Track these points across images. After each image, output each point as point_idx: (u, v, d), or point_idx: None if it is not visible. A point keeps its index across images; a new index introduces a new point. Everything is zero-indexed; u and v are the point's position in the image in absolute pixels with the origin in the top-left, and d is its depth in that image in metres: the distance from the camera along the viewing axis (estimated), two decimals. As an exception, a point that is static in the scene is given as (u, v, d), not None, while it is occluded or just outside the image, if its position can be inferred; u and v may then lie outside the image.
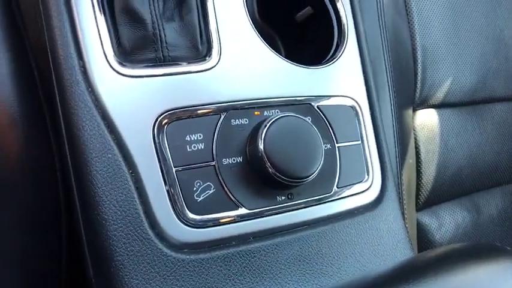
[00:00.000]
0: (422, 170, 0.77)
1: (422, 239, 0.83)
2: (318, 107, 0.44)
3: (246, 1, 0.44)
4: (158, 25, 0.38)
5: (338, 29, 0.49)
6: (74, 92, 0.35)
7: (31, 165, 0.42)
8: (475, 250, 0.38)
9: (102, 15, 0.36)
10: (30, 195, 0.42)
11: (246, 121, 0.40)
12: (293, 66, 0.45)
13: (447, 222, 0.86)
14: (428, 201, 0.81)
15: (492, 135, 0.88)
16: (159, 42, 0.38)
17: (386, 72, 0.65)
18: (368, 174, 0.47)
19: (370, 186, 0.46)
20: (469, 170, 0.86)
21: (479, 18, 0.83)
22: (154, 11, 0.38)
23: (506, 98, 0.89)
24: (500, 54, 0.86)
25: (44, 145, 0.41)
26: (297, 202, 0.41)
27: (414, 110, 0.75)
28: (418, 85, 0.74)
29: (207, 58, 0.40)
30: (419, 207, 0.81)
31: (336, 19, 0.49)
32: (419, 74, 0.73)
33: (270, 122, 0.38)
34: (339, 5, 0.49)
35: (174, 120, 0.37)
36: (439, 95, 0.77)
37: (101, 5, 0.37)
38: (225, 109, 0.39)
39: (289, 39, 0.57)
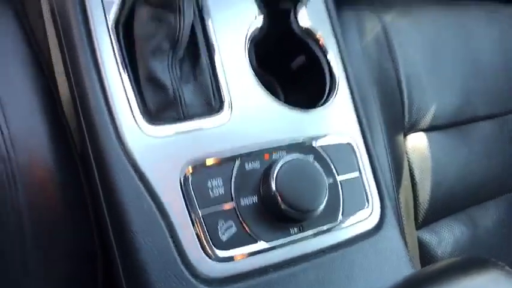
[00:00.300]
0: (417, 190, 0.83)
1: (425, 255, 0.87)
2: (318, 146, 0.50)
3: (248, 56, 0.51)
4: (177, 89, 0.45)
5: (330, 75, 0.55)
6: (109, 152, 0.41)
7: (65, 213, 0.47)
8: (464, 264, 0.43)
9: (130, 84, 0.43)
10: (66, 242, 0.47)
11: (258, 165, 0.46)
12: (293, 110, 0.51)
13: (446, 238, 0.90)
14: (426, 219, 0.86)
15: (479, 152, 0.94)
16: (179, 104, 0.45)
17: (375, 104, 0.72)
18: (368, 202, 0.52)
19: (371, 213, 0.52)
20: (461, 186, 0.91)
21: (456, 45, 0.91)
22: (174, 77, 0.44)
23: (489, 116, 0.96)
24: (478, 75, 0.93)
25: (78, 195, 0.47)
26: (308, 233, 0.46)
27: (405, 135, 0.81)
28: (406, 112, 0.80)
29: (220, 113, 0.46)
30: (419, 226, 0.86)
31: (327, 66, 0.56)
32: (405, 102, 0.80)
33: (279, 164, 0.44)
34: (329, 56, 0.55)
35: (197, 170, 0.43)
36: (427, 119, 0.84)
37: (128, 76, 0.43)
38: (239, 156, 0.45)
39: (286, 84, 0.63)
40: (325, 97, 0.54)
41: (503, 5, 1.02)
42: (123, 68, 0.43)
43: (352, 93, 0.56)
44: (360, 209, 0.51)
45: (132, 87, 0.43)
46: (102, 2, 0.44)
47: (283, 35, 0.59)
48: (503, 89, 0.97)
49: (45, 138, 0.44)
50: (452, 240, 0.91)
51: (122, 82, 0.42)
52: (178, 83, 0.45)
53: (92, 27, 0.43)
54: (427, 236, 0.87)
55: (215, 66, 0.47)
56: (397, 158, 0.78)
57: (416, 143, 0.83)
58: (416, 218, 0.85)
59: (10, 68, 0.44)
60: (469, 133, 0.93)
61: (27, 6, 0.52)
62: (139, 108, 0.43)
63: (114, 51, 0.44)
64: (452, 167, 0.89)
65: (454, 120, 0.89)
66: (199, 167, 0.43)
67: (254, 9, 0.53)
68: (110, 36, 0.44)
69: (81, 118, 0.44)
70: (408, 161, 0.81)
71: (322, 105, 0.53)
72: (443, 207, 0.89)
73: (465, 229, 0.93)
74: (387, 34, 0.78)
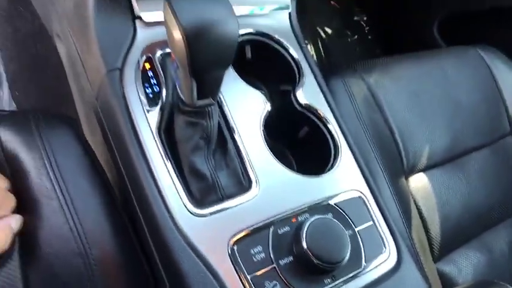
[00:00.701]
0: (428, 226, 0.90)
1: (448, 286, 0.93)
2: (334, 203, 0.60)
3: (263, 136, 0.61)
4: (214, 176, 0.55)
5: (332, 142, 0.66)
6: (168, 237, 0.50)
7: None
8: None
9: (178, 179, 0.53)
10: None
11: (288, 229, 0.55)
12: (307, 177, 0.61)
13: (465, 266, 0.96)
14: (442, 251, 0.93)
15: (477, 181, 1.02)
16: (217, 188, 0.55)
17: (375, 156, 0.82)
18: (385, 246, 0.61)
19: (389, 255, 0.60)
20: (469, 215, 0.98)
21: (435, 90, 1.01)
22: (210, 167, 0.55)
23: (478, 147, 1.04)
24: (461, 113, 1.03)
25: (144, 281, 0.55)
26: (339, 281, 0.54)
27: (406, 178, 0.90)
28: (404, 158, 0.90)
29: (250, 190, 0.56)
30: (436, 259, 0.92)
31: (329, 135, 0.66)
32: (401, 149, 0.90)
33: (305, 226, 0.53)
34: (329, 126, 0.66)
35: (240, 241, 0.52)
36: (423, 160, 0.93)
37: (175, 171, 0.53)
38: (272, 223, 0.54)
39: (296, 151, 0.74)
40: (331, 162, 0.64)
41: (465, 47, 1.15)
42: (171, 166, 0.53)
43: (354, 153, 0.66)
44: (379, 253, 0.60)
45: (179, 181, 0.53)
46: (144, 113, 0.56)
47: (288, 111, 0.70)
48: (486, 120, 1.07)
49: (111, 233, 0.54)
50: (471, 268, 0.96)
51: (172, 179, 0.53)
52: (214, 171, 0.55)
53: (140, 134, 0.54)
54: (446, 267, 0.93)
55: (240, 152, 0.58)
56: (403, 200, 0.86)
57: (418, 183, 0.92)
58: (432, 252, 0.92)
59: (78, 180, 0.54)
60: (464, 165, 1.02)
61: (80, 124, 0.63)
62: (187, 196, 0.53)
63: (159, 151, 0.54)
64: (455, 198, 0.97)
65: (448, 156, 0.98)
66: (241, 238, 0.52)
67: (262, 98, 0.65)
68: (154, 139, 0.55)
69: (138, 211, 0.54)
70: (414, 201, 0.90)
71: (330, 168, 0.63)
72: (455, 238, 0.96)
73: (481, 255, 0.99)
74: (373, 94, 0.90)
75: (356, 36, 1.70)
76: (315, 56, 1.57)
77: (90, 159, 0.58)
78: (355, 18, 1.73)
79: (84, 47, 0.62)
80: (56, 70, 1.01)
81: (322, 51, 1.61)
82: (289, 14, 0.75)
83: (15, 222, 0.49)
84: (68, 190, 0.53)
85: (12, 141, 0.54)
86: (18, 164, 0.53)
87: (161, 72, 0.59)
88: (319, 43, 1.61)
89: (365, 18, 1.73)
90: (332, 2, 1.71)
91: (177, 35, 0.43)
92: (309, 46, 1.55)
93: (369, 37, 1.73)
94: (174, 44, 0.44)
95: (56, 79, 1.01)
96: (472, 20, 1.40)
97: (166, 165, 0.53)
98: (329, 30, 1.65)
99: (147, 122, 0.56)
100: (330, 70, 0.92)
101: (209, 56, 0.45)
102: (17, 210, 0.51)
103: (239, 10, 0.69)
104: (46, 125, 0.57)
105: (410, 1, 1.56)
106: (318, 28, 1.63)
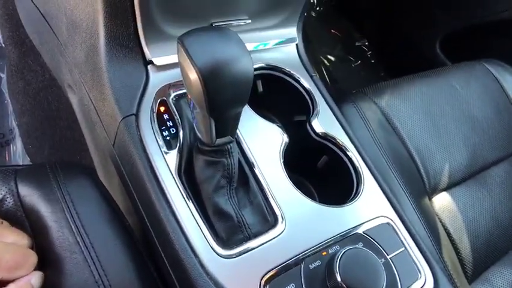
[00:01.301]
0: (458, 246, 0.87)
1: (486, 307, 0.89)
2: (363, 232, 0.58)
3: (284, 170, 0.60)
4: (239, 215, 0.54)
5: (353, 169, 0.65)
6: (198, 282, 0.48)
7: None
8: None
9: (203, 221, 0.52)
10: None
11: (319, 263, 0.53)
12: (333, 208, 0.59)
13: (500, 285, 0.92)
14: (475, 271, 0.89)
15: (502, 195, 1.00)
16: (243, 226, 0.53)
17: (397, 179, 0.80)
18: (419, 271, 0.58)
19: (425, 281, 0.57)
20: (498, 231, 0.96)
21: (448, 108, 1.01)
22: (234, 205, 0.54)
23: (498, 161, 1.03)
24: (476, 129, 1.03)
25: None
26: (377, 312, 0.52)
27: (430, 199, 0.88)
28: (425, 178, 0.88)
29: (276, 226, 0.54)
30: (471, 279, 0.89)
31: (350, 163, 0.65)
32: (421, 169, 0.88)
33: (337, 258, 0.51)
34: (349, 153, 0.65)
35: (271, 280, 0.50)
36: (444, 180, 0.91)
37: (199, 213, 0.52)
38: (302, 259, 0.52)
39: (316, 181, 0.73)
40: (355, 189, 0.63)
41: (471, 62, 1.16)
42: (194, 207, 0.52)
43: (376, 179, 0.65)
44: (415, 280, 0.57)
45: (204, 222, 0.52)
46: (163, 156, 0.55)
47: (305, 142, 0.69)
48: (502, 133, 1.06)
49: (138, 284, 0.52)
50: (507, 287, 0.93)
51: (195, 220, 0.52)
52: (238, 209, 0.54)
53: (159, 177, 0.54)
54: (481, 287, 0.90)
55: (263, 187, 0.57)
56: (429, 221, 0.84)
57: (443, 203, 0.89)
58: (465, 273, 0.89)
59: (101, 230, 0.53)
60: (486, 180, 1.00)
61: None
62: (213, 238, 0.51)
63: (181, 193, 0.53)
64: (482, 215, 0.94)
65: (469, 172, 0.97)
66: (272, 277, 0.50)
67: (279, 130, 0.64)
68: (175, 181, 0.54)
69: (163, 257, 0.53)
70: (440, 221, 0.87)
71: (355, 196, 0.62)
72: (487, 256, 0.93)
73: (515, 272, 0.95)
74: (387, 116, 0.89)
75: (359, 61, 1.72)
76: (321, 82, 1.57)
77: (110, 207, 0.57)
78: (357, 43, 1.75)
79: (97, 96, 0.63)
80: (68, 121, 1.02)
81: (327, 78, 1.62)
82: (297, 45, 0.76)
83: (36, 279, 0.48)
84: (91, 242, 0.52)
85: (31, 195, 0.53)
86: (39, 219, 0.52)
87: (176, 114, 0.59)
88: (324, 71, 1.63)
89: (366, 43, 1.76)
90: (333, 31, 1.74)
91: (193, 76, 0.43)
92: (314, 75, 1.56)
93: (372, 61, 1.74)
94: (191, 85, 0.44)
95: (69, 130, 1.02)
96: (473, 35, 1.42)
97: (189, 206, 0.52)
98: (332, 58, 1.67)
99: (166, 164, 0.55)
100: (338, 96, 0.92)
101: (226, 95, 0.45)
102: (40, 266, 0.49)
103: (247, 47, 0.69)
104: (64, 176, 0.56)
105: (410, 23, 1.58)
106: (321, 57, 1.65)
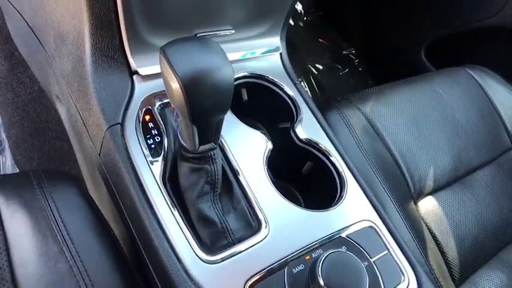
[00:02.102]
0: (444, 250, 0.88)
1: (474, 310, 0.90)
2: (346, 236, 0.59)
3: (267, 175, 0.61)
4: (223, 221, 0.54)
5: (337, 174, 0.66)
6: (181, 286, 0.49)
7: None
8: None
9: (186, 227, 0.52)
10: None
11: (302, 267, 0.54)
12: (316, 212, 0.60)
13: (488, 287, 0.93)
14: (463, 274, 0.90)
15: (487, 198, 1.01)
16: (227, 232, 0.54)
17: (381, 184, 0.81)
18: (403, 274, 0.59)
19: (408, 283, 0.58)
20: (484, 234, 0.96)
21: (431, 112, 1.03)
22: (218, 211, 0.55)
23: (482, 164, 1.04)
24: (460, 133, 1.04)
25: None
26: (360, 315, 0.52)
27: (415, 203, 0.89)
28: (409, 183, 0.89)
29: (260, 231, 0.55)
30: (458, 283, 0.89)
31: (333, 168, 0.66)
32: (406, 174, 0.89)
33: (320, 262, 0.52)
34: (332, 158, 0.66)
35: (255, 284, 0.51)
36: (430, 184, 0.92)
37: (183, 220, 0.53)
38: (286, 263, 0.53)
39: (301, 186, 0.74)
40: (338, 194, 0.64)
41: (455, 68, 1.18)
42: (179, 214, 0.53)
43: (360, 184, 0.66)
44: (399, 283, 0.58)
45: (188, 229, 0.53)
46: (148, 164, 0.56)
47: (289, 148, 0.70)
48: (486, 137, 1.08)
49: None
50: (494, 289, 0.94)
51: (180, 227, 0.52)
52: (222, 215, 0.55)
53: (144, 185, 0.55)
54: (469, 290, 0.91)
55: (246, 193, 0.58)
56: (415, 225, 0.85)
57: (428, 207, 0.91)
58: (452, 276, 0.89)
59: (86, 239, 0.54)
60: (472, 184, 1.01)
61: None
62: (197, 244, 0.52)
63: (166, 200, 0.54)
64: (468, 218, 0.95)
65: (454, 176, 0.98)
66: (257, 281, 0.51)
67: (263, 137, 0.65)
68: (159, 189, 0.55)
69: (149, 264, 0.53)
70: (426, 225, 0.88)
71: (338, 201, 0.63)
72: (474, 259, 0.93)
73: (502, 274, 0.96)
74: (371, 122, 0.91)
75: (347, 70, 1.74)
76: (309, 92, 1.60)
77: (96, 215, 0.57)
78: (344, 52, 1.77)
79: (84, 106, 0.64)
80: (57, 132, 1.03)
81: (315, 87, 1.64)
82: (280, 54, 0.77)
83: None
84: (77, 251, 0.52)
85: (10, 203, 0.52)
86: (18, 228, 0.51)
87: (161, 122, 0.60)
88: (312, 80, 1.65)
89: (353, 52, 1.78)
90: (320, 40, 1.76)
91: (175, 85, 0.44)
92: (302, 83, 1.58)
93: (360, 69, 1.77)
94: (173, 94, 0.46)
95: (58, 141, 1.02)
96: (457, 41, 1.44)
97: (173, 214, 0.53)
98: (320, 66, 1.69)
99: (151, 172, 0.56)
100: (325, 104, 0.93)
101: (208, 103, 0.46)
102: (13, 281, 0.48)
103: (232, 56, 0.71)
104: (49, 184, 0.57)
105: (395, 31, 1.61)
106: (309, 66, 1.67)
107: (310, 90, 1.61)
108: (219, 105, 0.48)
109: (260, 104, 0.74)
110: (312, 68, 1.67)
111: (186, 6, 0.60)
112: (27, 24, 0.83)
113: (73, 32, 0.62)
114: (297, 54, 1.62)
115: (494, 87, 1.15)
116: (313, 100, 0.76)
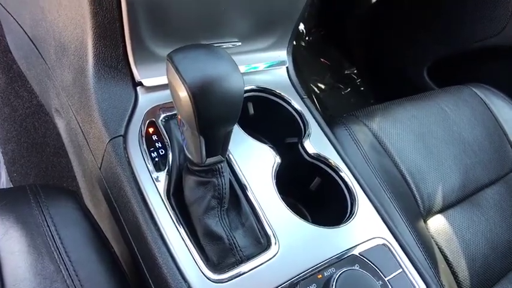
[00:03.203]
0: (455, 270, 0.85)
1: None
2: (359, 254, 0.56)
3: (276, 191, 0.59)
4: (231, 237, 0.51)
5: (347, 190, 0.63)
6: None
7: None
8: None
9: (192, 244, 0.49)
10: None
11: (314, 286, 0.50)
12: (327, 229, 0.58)
13: (499, 308, 0.90)
14: (474, 295, 0.87)
15: (496, 217, 0.99)
16: (235, 249, 0.51)
17: (391, 201, 0.79)
18: (418, 293, 0.56)
19: (423, 303, 0.55)
20: (495, 254, 0.94)
21: (438, 130, 1.01)
22: (225, 227, 0.52)
23: (490, 183, 1.03)
24: (467, 151, 1.03)
25: None
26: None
27: (425, 222, 0.87)
28: (419, 200, 0.87)
29: (270, 248, 0.52)
30: (470, 303, 0.87)
31: (343, 183, 0.64)
32: (415, 191, 0.87)
33: (333, 281, 0.49)
34: (342, 174, 0.64)
35: (266, 305, 0.47)
36: (438, 202, 0.90)
37: (188, 236, 0.50)
38: (297, 282, 0.50)
39: (309, 203, 0.71)
40: (349, 210, 0.61)
41: (459, 86, 1.17)
42: (184, 231, 0.50)
43: (371, 200, 0.63)
44: (414, 302, 0.55)
45: (194, 246, 0.50)
46: (151, 178, 0.54)
47: (297, 163, 0.68)
48: (493, 155, 1.06)
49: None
50: (506, 310, 0.90)
51: (185, 244, 0.49)
52: (230, 231, 0.52)
53: (148, 200, 0.52)
54: (479, 312, 0.87)
55: (255, 208, 0.55)
56: (426, 244, 0.82)
57: (438, 226, 0.88)
58: (464, 297, 0.86)
59: (85, 257, 0.51)
60: (480, 202, 0.99)
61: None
62: (203, 262, 0.49)
63: (170, 216, 0.51)
64: (478, 237, 0.93)
65: (463, 195, 0.96)
66: (266, 302, 0.47)
67: (271, 151, 0.63)
68: (164, 204, 0.52)
69: (150, 282, 0.50)
70: (437, 244, 0.85)
71: (349, 217, 0.60)
72: (485, 280, 0.90)
73: (515, 294, 0.93)
74: (378, 139, 0.89)
75: (349, 89, 1.74)
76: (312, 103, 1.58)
77: (95, 231, 0.54)
78: (346, 72, 1.77)
79: (85, 118, 0.62)
80: (55, 147, 1.00)
81: (318, 106, 1.63)
82: (287, 68, 0.76)
83: None
84: (74, 269, 0.49)
85: (5, 219, 0.49)
86: (11, 245, 0.48)
87: (165, 135, 0.58)
88: (315, 99, 1.64)
89: (355, 71, 1.78)
90: (322, 60, 1.76)
91: (183, 93, 0.42)
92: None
93: (362, 88, 1.76)
94: (180, 103, 0.43)
95: (56, 156, 1.00)
96: (460, 61, 1.44)
97: (178, 230, 0.50)
98: (322, 86, 1.69)
99: (155, 187, 0.53)
100: (330, 122, 0.92)
101: (216, 112, 0.44)
102: None
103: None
104: (46, 198, 0.54)
105: (397, 51, 1.62)
106: (311, 85, 1.67)
107: (312, 109, 1.60)
108: (228, 115, 0.46)
109: (267, 118, 0.72)
110: (314, 87, 1.67)
111: (192, 16, 0.58)
112: (27, 35, 0.81)
113: (75, 42, 0.61)
114: (299, 73, 1.61)
115: (498, 106, 1.14)
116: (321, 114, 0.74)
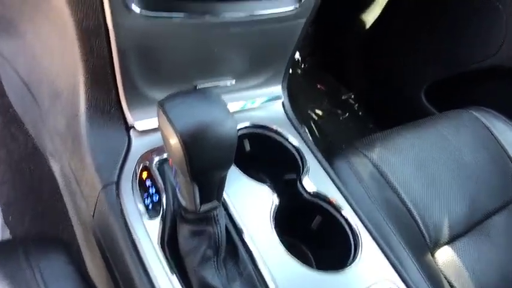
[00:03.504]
0: (467, 305, 0.82)
1: None
2: (366, 300, 0.53)
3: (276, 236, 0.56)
4: (229, 289, 0.49)
5: (350, 230, 0.61)
6: None
7: None
8: None
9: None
10: None
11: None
12: (331, 274, 0.55)
13: None
14: (487, 332, 0.83)
15: (507, 245, 0.96)
16: (233, 302, 0.48)
17: (395, 236, 0.76)
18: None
19: None
20: (506, 285, 0.90)
21: (441, 159, 0.99)
22: (223, 279, 0.49)
23: (497, 209, 1.00)
24: (471, 177, 1.00)
25: None
26: None
27: (432, 254, 0.84)
28: (424, 232, 0.84)
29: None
30: None
31: (345, 222, 0.62)
32: (420, 223, 0.84)
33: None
34: (344, 212, 0.62)
35: None
36: (445, 232, 0.87)
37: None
38: (300, 335, 0.47)
39: (311, 243, 0.68)
40: (353, 252, 0.59)
41: (458, 110, 1.16)
42: (179, 283, 0.48)
43: (375, 240, 0.61)
44: None
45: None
46: (144, 226, 0.52)
47: (296, 202, 0.66)
48: (498, 180, 1.03)
49: None
50: None
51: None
52: (227, 283, 0.49)
53: (141, 250, 0.50)
54: None
55: (254, 256, 0.52)
56: (434, 279, 0.79)
57: (446, 258, 0.85)
58: (476, 334, 0.82)
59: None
60: (489, 230, 0.96)
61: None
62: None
63: (163, 268, 0.49)
64: (488, 268, 0.89)
65: (470, 223, 0.92)
66: None
67: (268, 191, 0.61)
68: (157, 255, 0.50)
69: None
70: (446, 278, 0.82)
71: (353, 260, 0.58)
72: (499, 314, 0.87)
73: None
74: (379, 169, 0.87)
75: (347, 114, 1.73)
76: (311, 138, 1.57)
77: (87, 286, 0.52)
78: (343, 97, 1.77)
79: (78, 164, 0.60)
80: (50, 191, 0.99)
81: (316, 132, 1.62)
82: (283, 103, 0.75)
83: None
84: None
85: None
86: None
87: (159, 180, 0.56)
88: (313, 125, 1.63)
89: (352, 96, 1.78)
90: (318, 86, 1.76)
91: (174, 141, 0.41)
92: (305, 129, 1.57)
93: (360, 113, 1.75)
94: (172, 150, 0.42)
95: (51, 200, 0.98)
96: (457, 83, 1.44)
97: (172, 282, 0.48)
98: (320, 112, 1.68)
99: (147, 235, 0.51)
100: (329, 150, 0.90)
101: (209, 159, 0.43)
102: None
103: (233, 106, 0.68)
104: (36, 251, 0.52)
105: (394, 75, 1.61)
106: (308, 111, 1.66)
107: (311, 136, 1.59)
108: (222, 161, 0.44)
109: (264, 154, 0.71)
110: (311, 113, 1.66)
111: (185, 59, 0.58)
112: (22, 81, 0.81)
113: (68, 87, 0.60)
114: (295, 101, 1.60)
115: (501, 129, 1.13)
116: (318, 147, 0.73)
